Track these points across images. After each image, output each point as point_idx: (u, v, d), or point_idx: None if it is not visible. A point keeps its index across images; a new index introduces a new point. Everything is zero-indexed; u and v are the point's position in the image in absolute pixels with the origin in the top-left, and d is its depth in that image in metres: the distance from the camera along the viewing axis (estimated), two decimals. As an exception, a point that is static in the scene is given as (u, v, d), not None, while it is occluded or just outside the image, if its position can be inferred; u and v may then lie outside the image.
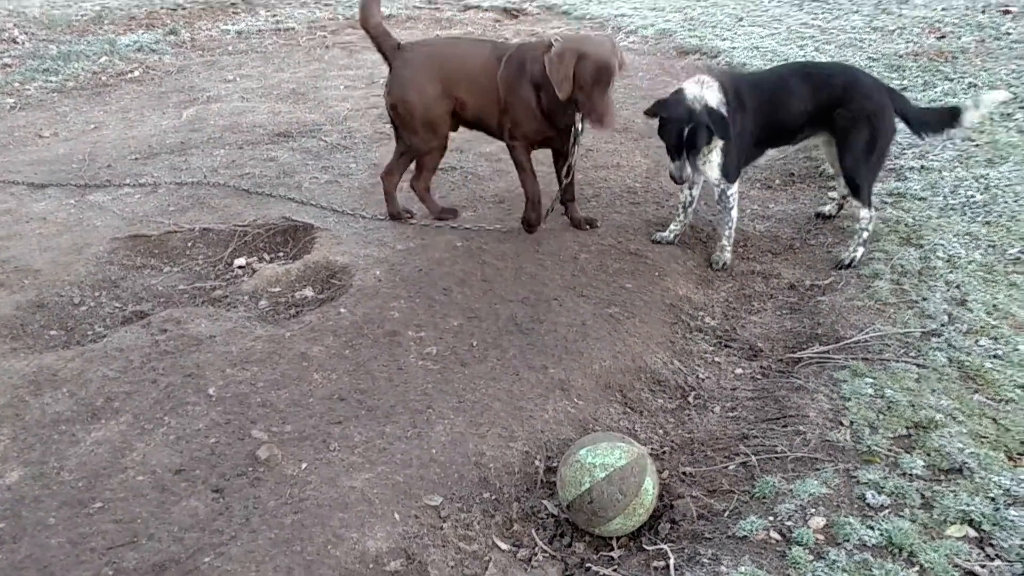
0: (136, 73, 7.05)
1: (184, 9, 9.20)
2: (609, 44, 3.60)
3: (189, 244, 4.12)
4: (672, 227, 4.18)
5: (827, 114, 3.81)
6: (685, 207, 4.14)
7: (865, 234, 3.90)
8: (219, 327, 3.36)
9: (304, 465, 2.68)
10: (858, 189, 3.88)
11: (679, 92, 3.68)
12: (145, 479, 2.60)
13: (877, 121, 3.77)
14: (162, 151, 5.20)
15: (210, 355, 3.18)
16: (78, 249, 3.95)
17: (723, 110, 3.62)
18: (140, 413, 2.87)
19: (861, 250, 3.90)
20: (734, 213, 3.98)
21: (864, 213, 3.88)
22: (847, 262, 3.88)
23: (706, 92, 3.63)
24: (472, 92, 3.91)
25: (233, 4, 9.52)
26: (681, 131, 3.58)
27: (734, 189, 3.93)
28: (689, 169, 3.67)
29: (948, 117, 3.88)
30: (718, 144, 3.73)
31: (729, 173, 3.86)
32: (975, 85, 5.78)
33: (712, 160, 3.80)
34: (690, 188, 4.06)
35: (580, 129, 3.83)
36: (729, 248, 4.05)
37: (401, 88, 3.90)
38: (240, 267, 3.99)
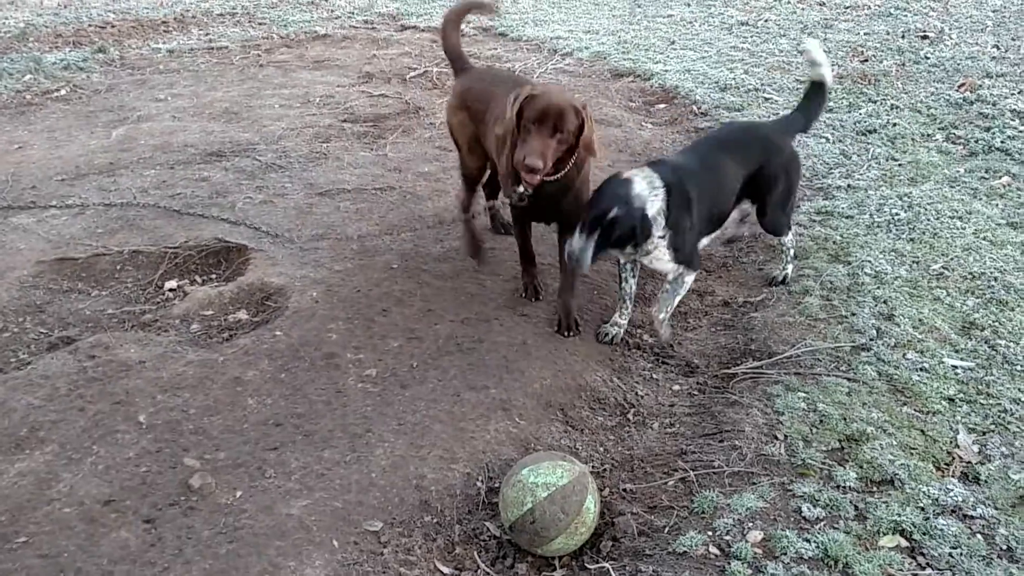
0: (63, 92, 6.84)
1: (113, 27, 8.96)
2: (574, 99, 3.21)
3: (118, 267, 4.01)
4: (617, 319, 3.69)
5: (754, 178, 3.66)
6: (625, 298, 3.66)
7: (792, 251, 3.98)
8: (149, 352, 3.27)
9: (239, 493, 2.62)
10: (778, 233, 3.88)
11: (627, 181, 3.22)
12: (72, 511, 2.50)
13: (791, 170, 3.78)
14: (90, 171, 5.05)
15: (140, 381, 3.09)
16: (0, 273, 3.81)
17: (661, 218, 3.25)
18: (67, 442, 2.77)
19: (791, 266, 3.99)
20: (686, 290, 3.63)
21: (786, 239, 3.92)
22: (780, 279, 3.97)
23: (650, 200, 3.20)
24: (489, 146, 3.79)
25: (164, 22, 9.32)
26: (602, 216, 3.11)
27: (693, 275, 3.57)
28: (590, 254, 3.12)
29: (819, 93, 4.00)
30: (662, 243, 3.32)
31: (691, 261, 3.49)
32: (897, 107, 6.00)
33: (661, 257, 3.38)
34: (628, 281, 3.63)
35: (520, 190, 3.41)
36: (667, 318, 3.63)
37: (446, 110, 4.01)
38: (171, 290, 3.89)
